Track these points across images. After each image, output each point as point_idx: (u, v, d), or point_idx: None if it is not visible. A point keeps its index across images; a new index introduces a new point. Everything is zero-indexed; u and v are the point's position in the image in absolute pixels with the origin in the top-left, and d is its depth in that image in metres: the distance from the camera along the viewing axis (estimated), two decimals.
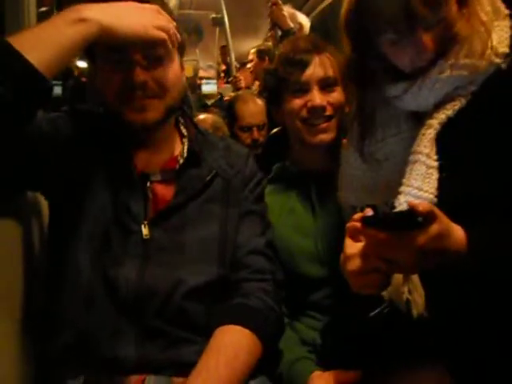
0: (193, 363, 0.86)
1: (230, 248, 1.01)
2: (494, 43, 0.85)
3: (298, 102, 1.19)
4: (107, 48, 0.95)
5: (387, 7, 0.83)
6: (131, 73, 0.94)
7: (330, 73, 1.20)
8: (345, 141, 1.07)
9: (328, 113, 1.18)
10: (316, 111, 1.17)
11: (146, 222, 0.96)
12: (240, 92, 3.08)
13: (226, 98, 3.69)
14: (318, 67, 1.19)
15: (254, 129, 2.20)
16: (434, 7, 0.82)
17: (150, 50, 0.95)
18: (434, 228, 0.72)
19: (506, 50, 0.85)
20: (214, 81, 4.84)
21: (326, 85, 1.19)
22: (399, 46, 0.87)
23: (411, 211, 0.69)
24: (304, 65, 1.18)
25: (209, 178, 1.03)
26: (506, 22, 0.88)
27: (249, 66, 3.70)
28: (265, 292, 0.99)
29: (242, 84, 3.81)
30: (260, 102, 2.22)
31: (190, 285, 0.94)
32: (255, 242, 1.04)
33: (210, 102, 4.39)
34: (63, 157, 0.97)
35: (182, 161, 1.03)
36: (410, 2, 0.81)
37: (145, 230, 0.96)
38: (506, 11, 0.88)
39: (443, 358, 0.84)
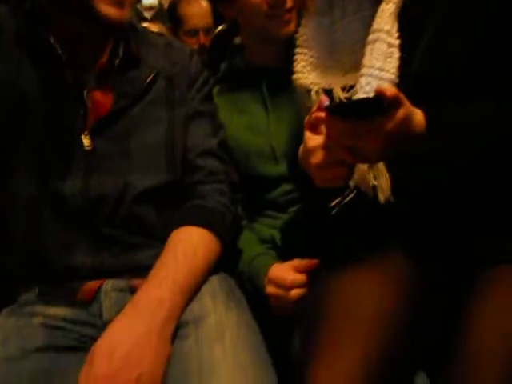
0: (150, 266, 0.85)
1: (179, 151, 0.96)
2: None
3: None
4: None
5: None
6: None
7: None
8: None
9: (289, 5, 1.07)
10: (278, 3, 1.07)
11: (86, 133, 0.91)
12: None
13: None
14: None
15: (201, 32, 2.07)
16: None
17: None
18: (400, 113, 0.68)
19: None
20: None
21: None
22: None
23: (378, 97, 0.65)
24: None
25: (150, 78, 0.96)
26: None
27: None
28: (220, 193, 0.97)
29: None
30: (204, 2, 2.08)
31: (138, 189, 0.91)
32: (206, 144, 0.99)
33: (149, 15, 4.14)
34: None
35: (117, 62, 0.94)
36: None
37: (86, 141, 0.90)
38: None
39: (407, 244, 0.85)
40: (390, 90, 0.66)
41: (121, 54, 0.94)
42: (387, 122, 0.68)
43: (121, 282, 0.89)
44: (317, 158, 0.76)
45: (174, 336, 0.79)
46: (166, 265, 0.84)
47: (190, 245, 0.87)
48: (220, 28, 1.69)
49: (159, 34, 1.11)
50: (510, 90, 0.80)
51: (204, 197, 0.96)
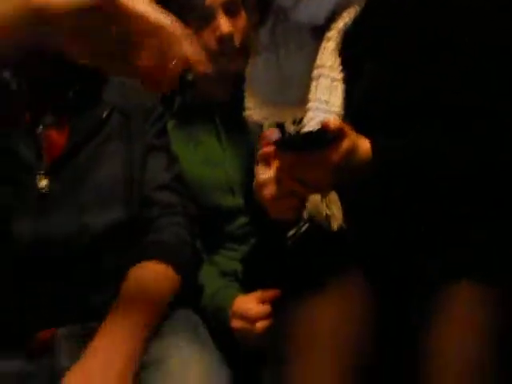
0: (106, 309, 0.82)
1: (135, 187, 0.95)
2: None
3: (204, 34, 1.09)
4: None
5: None
6: None
7: None
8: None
9: (236, 43, 1.09)
10: (225, 41, 1.08)
11: (41, 173, 0.87)
12: None
13: None
14: None
15: None
16: None
17: None
18: (345, 144, 0.71)
19: None
20: None
21: (231, 9, 1.09)
22: None
23: (322, 129, 0.68)
24: None
25: (105, 114, 0.94)
26: None
27: None
28: (178, 225, 0.96)
29: None
30: None
31: (94, 229, 0.88)
32: (161, 178, 0.99)
33: None
34: None
35: (73, 99, 0.92)
36: None
37: (40, 183, 0.87)
38: None
39: (366, 267, 0.86)
40: (334, 122, 0.69)
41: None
42: (332, 153, 0.70)
43: (74, 329, 0.85)
44: (269, 190, 0.78)
45: (136, 379, 0.76)
46: (123, 306, 0.81)
47: (148, 282, 0.86)
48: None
49: None
50: (450, 117, 0.83)
51: (161, 231, 0.94)
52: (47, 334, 0.84)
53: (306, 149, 0.69)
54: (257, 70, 0.98)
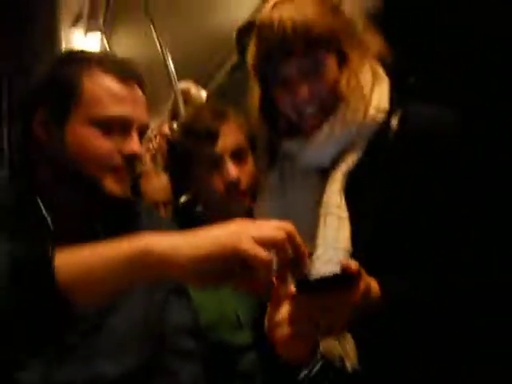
0: None
1: (154, 331, 0.92)
2: (376, 102, 0.94)
3: (213, 179, 1.17)
4: None
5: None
6: None
7: (241, 142, 1.19)
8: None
9: (243, 187, 1.17)
10: (232, 185, 1.15)
11: None
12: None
13: None
14: (228, 137, 1.17)
15: (161, 205, 2.15)
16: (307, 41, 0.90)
17: None
18: (362, 284, 0.73)
19: (387, 106, 0.94)
20: None
21: (238, 156, 1.18)
22: (284, 90, 0.94)
23: (343, 271, 0.70)
24: (213, 136, 1.16)
25: None
26: (385, 85, 0.97)
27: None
28: (195, 373, 0.93)
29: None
30: (164, 177, 2.20)
31: (106, 379, 0.84)
32: (183, 320, 0.97)
33: None
34: None
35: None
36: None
37: None
38: (384, 76, 0.98)
39: None
40: (354, 263, 0.72)
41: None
42: (353, 293, 0.72)
43: None
44: (283, 330, 0.77)
45: None
46: None
47: None
48: (182, 200, 1.78)
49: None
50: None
51: (178, 376, 0.91)
52: None
53: (330, 291, 0.70)
54: (264, 210, 1.02)
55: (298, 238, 0.66)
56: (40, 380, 0.80)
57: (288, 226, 0.66)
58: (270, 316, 0.79)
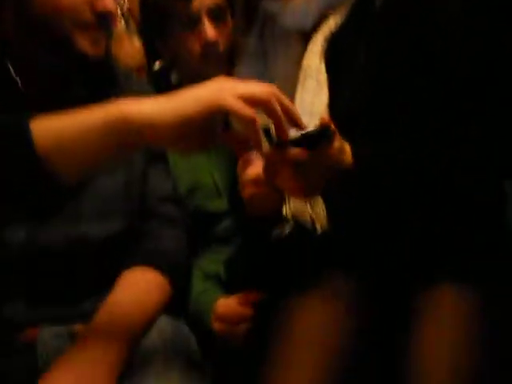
0: (93, 312, 0.80)
1: (136, 197, 0.93)
2: None
3: (188, 39, 1.10)
4: None
5: None
6: None
7: (220, 0, 1.10)
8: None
9: (221, 50, 1.10)
10: (210, 47, 1.09)
11: None
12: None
13: None
14: None
15: (134, 72, 2.08)
16: None
17: None
18: (337, 142, 0.72)
19: None
20: None
21: (216, 15, 1.10)
22: None
23: (323, 127, 0.69)
24: None
25: None
26: None
27: None
28: (177, 238, 0.95)
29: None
30: (137, 41, 2.09)
31: (92, 239, 0.86)
32: (163, 189, 0.97)
33: None
34: None
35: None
36: None
37: None
38: None
39: (349, 269, 0.87)
40: (330, 120, 0.70)
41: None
42: (331, 150, 0.71)
43: (60, 329, 0.82)
44: (256, 187, 0.79)
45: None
46: (115, 310, 0.80)
47: (143, 285, 0.84)
48: (156, 66, 1.71)
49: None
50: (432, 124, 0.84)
51: (161, 241, 0.92)
52: (31, 333, 0.82)
53: (314, 147, 0.70)
54: (243, 74, 0.98)
55: (285, 97, 0.66)
56: (25, 240, 0.82)
57: (272, 86, 0.65)
58: (244, 174, 0.81)
